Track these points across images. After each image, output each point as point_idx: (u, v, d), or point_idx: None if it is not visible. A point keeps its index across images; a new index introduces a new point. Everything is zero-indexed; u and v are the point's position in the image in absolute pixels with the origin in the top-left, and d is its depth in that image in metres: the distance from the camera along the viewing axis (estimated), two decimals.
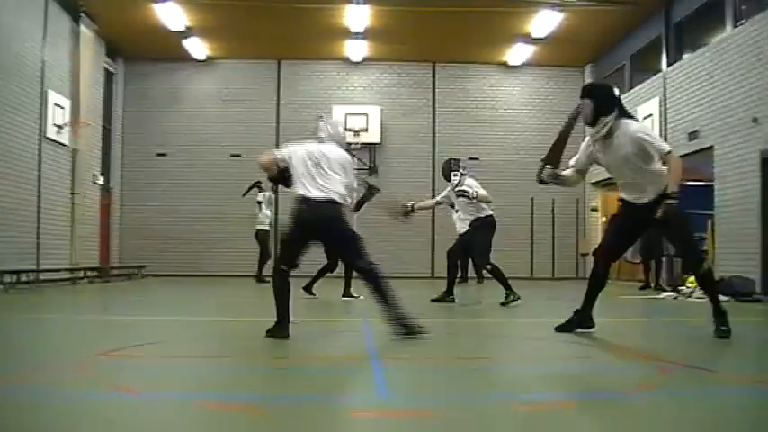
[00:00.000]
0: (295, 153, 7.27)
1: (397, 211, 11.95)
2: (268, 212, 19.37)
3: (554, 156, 7.55)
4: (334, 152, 7.40)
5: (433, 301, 12.05)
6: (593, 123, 7.06)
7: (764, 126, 14.72)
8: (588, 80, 24.74)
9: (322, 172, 7.20)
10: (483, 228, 11.80)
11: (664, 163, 6.91)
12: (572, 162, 7.56)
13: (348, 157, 7.56)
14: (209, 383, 4.96)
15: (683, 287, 14.10)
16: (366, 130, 23.92)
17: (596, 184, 23.94)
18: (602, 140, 7.10)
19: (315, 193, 7.08)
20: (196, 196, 23.89)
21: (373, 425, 3.82)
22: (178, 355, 6.21)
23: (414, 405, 4.25)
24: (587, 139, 7.36)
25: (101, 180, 22.21)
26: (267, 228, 19.23)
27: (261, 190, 19.37)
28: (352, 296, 12.70)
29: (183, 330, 8.33)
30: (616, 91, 7.25)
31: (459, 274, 18.90)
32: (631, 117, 7.27)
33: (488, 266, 11.66)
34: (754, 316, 10.76)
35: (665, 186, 6.86)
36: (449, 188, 12.20)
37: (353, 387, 4.93)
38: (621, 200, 7.38)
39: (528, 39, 22.11)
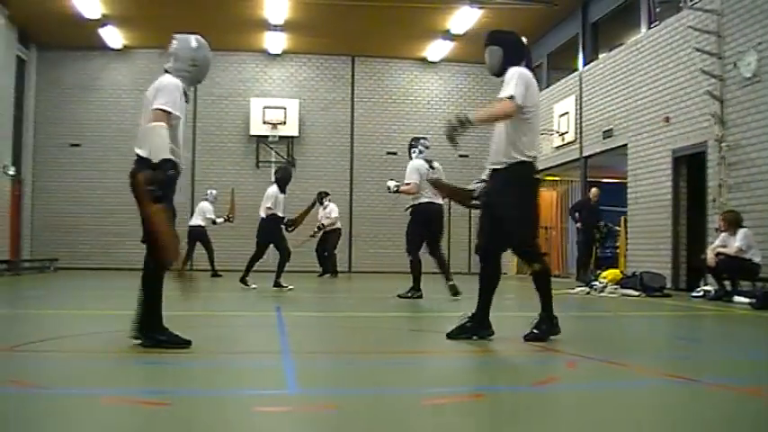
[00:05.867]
0: None
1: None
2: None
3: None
4: (151, 89, 5.84)
5: (399, 296, 11.56)
6: (500, 73, 6.31)
7: (676, 125, 15.03)
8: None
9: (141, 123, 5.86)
10: (413, 217, 11.56)
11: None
12: None
13: (161, 81, 5.81)
14: (115, 378, 4.81)
15: (596, 282, 14.29)
16: (284, 123, 23.77)
17: None
18: None
19: None
20: (110, 188, 23.17)
21: (277, 419, 3.73)
22: (86, 350, 6.02)
23: (321, 399, 4.18)
24: None
25: (12, 170, 21.48)
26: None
27: None
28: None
29: (93, 324, 8.08)
30: (524, 40, 6.51)
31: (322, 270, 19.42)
32: (531, 69, 6.43)
33: (410, 258, 11.47)
34: (665, 311, 10.97)
35: (515, 150, 6.16)
36: None
37: (262, 381, 4.83)
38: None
39: (447, 35, 22.22)
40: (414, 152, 11.68)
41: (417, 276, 11.47)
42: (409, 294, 11.42)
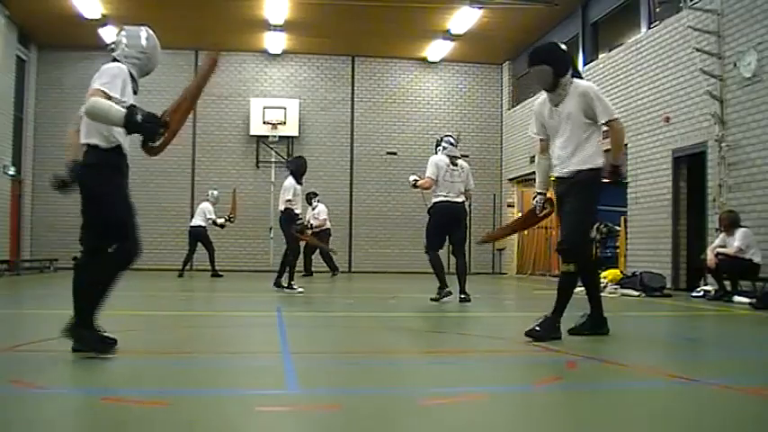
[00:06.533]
0: None
1: None
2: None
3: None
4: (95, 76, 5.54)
5: (432, 300, 10.96)
6: (553, 89, 6.59)
7: (676, 125, 15.02)
8: (506, 77, 25.01)
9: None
10: (430, 215, 11.24)
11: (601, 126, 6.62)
12: (534, 131, 7.02)
13: (103, 66, 5.58)
14: (115, 378, 4.82)
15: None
16: (284, 123, 23.75)
17: (513, 180, 24.20)
18: (556, 104, 6.67)
19: None
20: None
21: (278, 419, 3.73)
22: None
23: (322, 398, 4.19)
24: (536, 106, 6.92)
25: (12, 170, 21.49)
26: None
27: None
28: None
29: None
30: (563, 47, 6.79)
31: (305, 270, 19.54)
32: (581, 77, 6.82)
33: (428, 255, 11.13)
34: (665, 311, 10.96)
35: (587, 159, 6.55)
36: None
37: (262, 381, 4.83)
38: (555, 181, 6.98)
39: (447, 35, 22.20)
40: (439, 149, 11.33)
41: (439, 274, 10.99)
42: (437, 296, 10.88)
